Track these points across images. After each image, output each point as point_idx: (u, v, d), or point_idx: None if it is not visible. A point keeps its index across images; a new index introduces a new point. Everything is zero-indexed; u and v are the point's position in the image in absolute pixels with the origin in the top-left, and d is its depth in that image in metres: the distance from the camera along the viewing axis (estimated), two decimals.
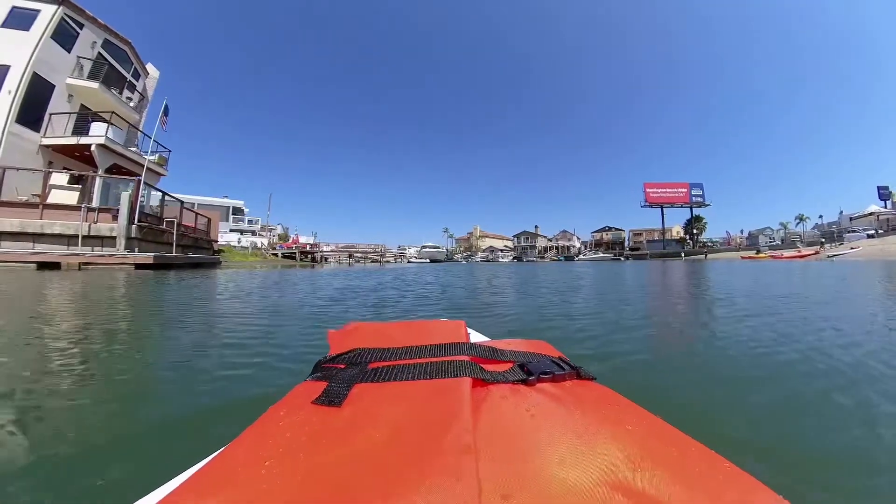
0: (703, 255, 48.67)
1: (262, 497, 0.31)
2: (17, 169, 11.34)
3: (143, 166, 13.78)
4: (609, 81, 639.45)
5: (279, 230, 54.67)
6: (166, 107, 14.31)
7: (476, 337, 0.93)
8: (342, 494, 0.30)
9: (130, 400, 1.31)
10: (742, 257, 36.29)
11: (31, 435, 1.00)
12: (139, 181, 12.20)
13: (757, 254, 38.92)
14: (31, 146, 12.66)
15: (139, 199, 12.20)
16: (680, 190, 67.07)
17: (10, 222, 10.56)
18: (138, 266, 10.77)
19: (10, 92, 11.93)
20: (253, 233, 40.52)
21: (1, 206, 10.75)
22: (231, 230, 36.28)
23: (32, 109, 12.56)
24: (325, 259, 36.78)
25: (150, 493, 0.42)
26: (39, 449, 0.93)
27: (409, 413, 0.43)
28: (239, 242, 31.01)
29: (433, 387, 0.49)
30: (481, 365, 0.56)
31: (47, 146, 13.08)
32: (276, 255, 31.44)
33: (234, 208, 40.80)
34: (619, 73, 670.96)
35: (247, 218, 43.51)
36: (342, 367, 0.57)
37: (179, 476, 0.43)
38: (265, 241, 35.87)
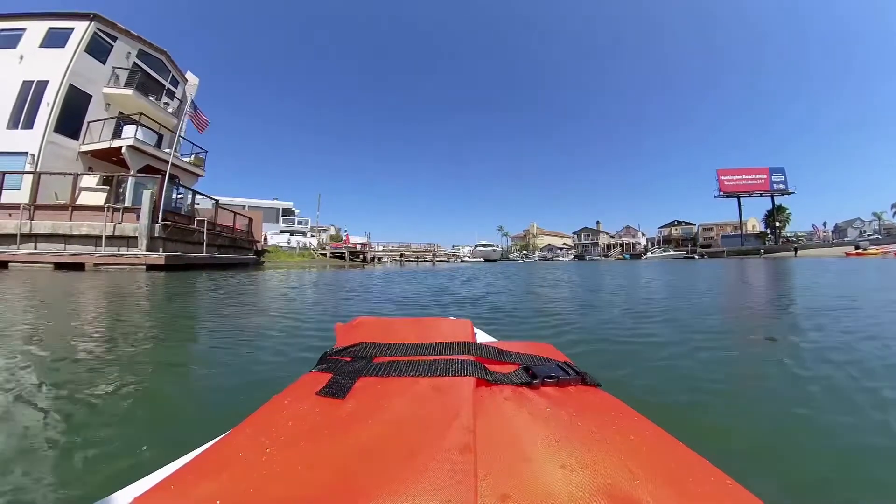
0: (793, 252, 41.75)
1: (261, 482, 0.32)
2: (50, 174, 12.04)
3: (176, 167, 14.17)
4: (657, 68, 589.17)
5: (332, 231, 56.70)
6: (193, 104, 14.59)
7: (482, 337, 0.91)
8: (341, 485, 0.31)
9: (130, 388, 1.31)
10: (847, 254, 30.53)
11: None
12: (162, 179, 12.41)
13: (857, 249, 32.77)
14: (69, 153, 13.55)
15: (163, 196, 12.40)
16: (759, 177, 58.41)
17: (44, 224, 11.18)
18: (150, 267, 10.81)
19: (48, 104, 12.82)
20: (303, 233, 42.08)
21: (37, 210, 11.44)
22: (281, 231, 37.89)
23: (71, 119, 13.44)
24: (378, 259, 37.07)
25: (150, 473, 0.42)
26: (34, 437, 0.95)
27: (411, 409, 0.43)
28: (288, 243, 32.17)
29: (436, 384, 0.49)
30: (486, 365, 0.55)
31: (86, 152, 13.94)
32: (324, 255, 32.18)
33: (284, 209, 42.71)
34: (681, 56, 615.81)
35: (297, 219, 45.40)
36: (348, 359, 0.58)
37: (181, 459, 0.43)
38: (315, 242, 36.96)
